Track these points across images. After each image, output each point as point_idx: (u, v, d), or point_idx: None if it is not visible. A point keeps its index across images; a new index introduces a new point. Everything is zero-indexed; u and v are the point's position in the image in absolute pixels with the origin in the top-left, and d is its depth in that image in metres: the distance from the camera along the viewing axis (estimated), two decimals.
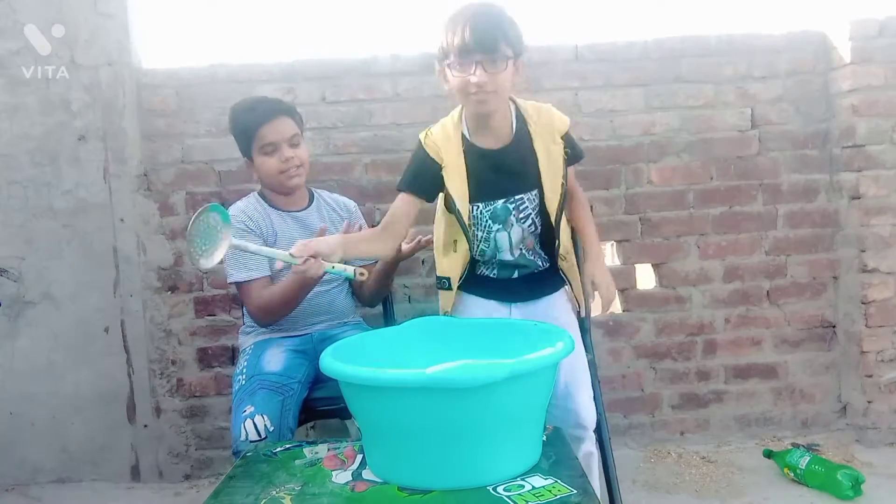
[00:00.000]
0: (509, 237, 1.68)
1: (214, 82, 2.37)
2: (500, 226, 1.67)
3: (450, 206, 1.66)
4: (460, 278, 1.72)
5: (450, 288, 1.73)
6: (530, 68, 2.35)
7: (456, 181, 1.63)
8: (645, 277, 2.50)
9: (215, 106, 2.37)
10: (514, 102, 1.69)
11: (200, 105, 2.37)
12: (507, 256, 1.71)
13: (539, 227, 1.70)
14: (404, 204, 1.67)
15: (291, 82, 2.37)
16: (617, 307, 2.50)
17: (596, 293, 1.71)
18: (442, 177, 1.64)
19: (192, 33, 2.56)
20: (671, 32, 2.44)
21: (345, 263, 1.56)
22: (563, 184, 1.67)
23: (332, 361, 1.20)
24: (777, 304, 2.47)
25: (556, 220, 1.67)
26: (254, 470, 1.30)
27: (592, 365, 1.93)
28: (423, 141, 1.67)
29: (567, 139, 1.69)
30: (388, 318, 2.17)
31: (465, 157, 1.64)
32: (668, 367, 2.47)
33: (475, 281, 1.75)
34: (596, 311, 1.78)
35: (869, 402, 2.38)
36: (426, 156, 1.65)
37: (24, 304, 2.37)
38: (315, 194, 2.01)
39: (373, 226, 2.12)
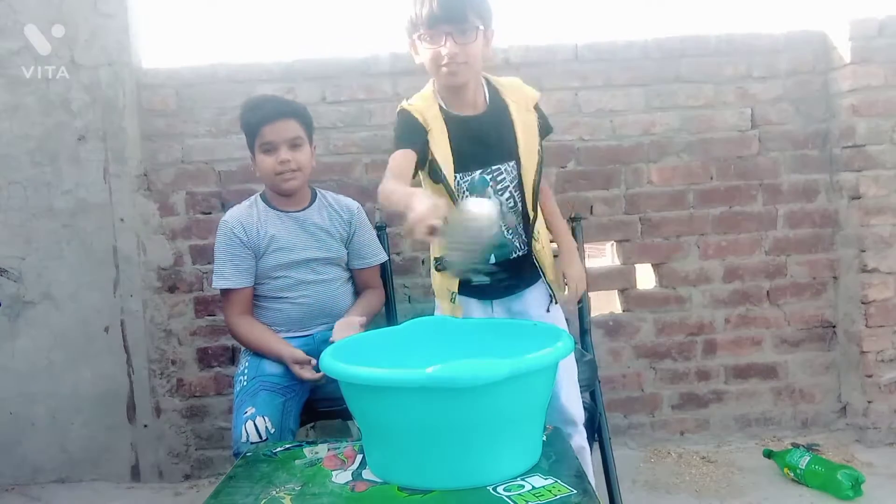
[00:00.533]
0: None
1: (214, 82, 2.37)
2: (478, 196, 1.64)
3: (435, 175, 1.62)
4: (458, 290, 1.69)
5: (453, 301, 1.70)
6: (529, 67, 2.38)
7: (441, 148, 1.61)
8: (645, 277, 2.50)
9: (215, 106, 2.37)
10: (485, 77, 1.68)
11: (200, 105, 2.37)
12: None
13: (518, 204, 1.67)
14: (403, 160, 1.59)
15: (291, 82, 2.37)
16: (617, 307, 2.50)
17: (566, 286, 1.70)
18: (428, 142, 1.60)
19: (192, 33, 2.56)
20: (671, 32, 2.44)
21: None
22: (539, 152, 1.65)
23: (332, 361, 1.20)
24: (777, 304, 2.47)
25: (533, 192, 1.65)
26: (254, 470, 1.30)
27: (592, 364, 1.93)
28: (405, 107, 1.64)
29: (538, 110, 1.69)
30: (389, 318, 2.17)
31: (446, 126, 1.62)
32: (668, 367, 2.47)
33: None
34: (565, 303, 1.75)
35: (869, 402, 2.38)
36: (413, 118, 1.61)
37: (24, 304, 2.37)
38: (318, 195, 2.00)
39: (375, 226, 2.12)
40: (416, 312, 2.32)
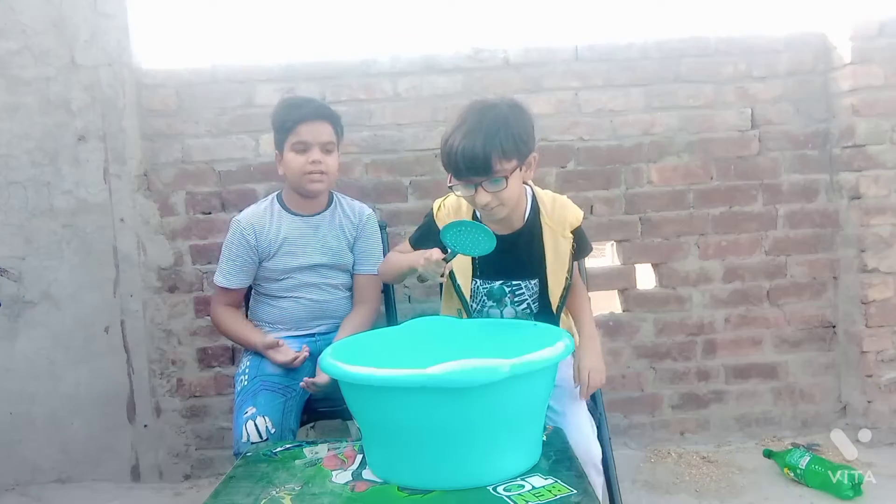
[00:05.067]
0: (501, 315, 1.67)
1: (214, 82, 2.37)
2: (495, 304, 1.67)
3: (452, 279, 1.66)
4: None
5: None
6: (529, 67, 2.38)
7: (461, 259, 1.60)
8: (645, 277, 2.50)
9: (215, 106, 2.37)
10: (533, 190, 1.67)
11: (200, 105, 2.37)
12: (497, 315, 1.71)
13: (535, 312, 1.68)
14: (404, 249, 1.72)
15: (291, 82, 2.37)
16: (617, 307, 2.50)
17: (582, 379, 1.62)
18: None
19: (192, 33, 2.56)
20: (671, 32, 2.44)
21: None
22: (567, 277, 1.65)
23: (332, 361, 1.21)
24: (777, 304, 2.47)
25: (557, 309, 1.66)
26: (254, 470, 1.30)
27: None
28: (434, 212, 1.68)
29: (577, 234, 1.67)
30: (389, 318, 2.17)
31: None
32: (668, 367, 2.47)
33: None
34: (578, 395, 1.66)
35: (869, 402, 2.38)
36: (435, 227, 1.64)
37: (24, 304, 2.37)
38: (335, 200, 2.01)
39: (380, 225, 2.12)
40: (416, 312, 2.33)
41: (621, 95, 2.41)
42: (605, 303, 2.54)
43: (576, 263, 1.72)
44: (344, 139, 2.33)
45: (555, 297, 1.64)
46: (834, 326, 2.49)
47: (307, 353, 1.80)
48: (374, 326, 1.95)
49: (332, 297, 1.96)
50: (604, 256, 2.75)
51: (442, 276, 1.46)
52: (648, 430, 2.48)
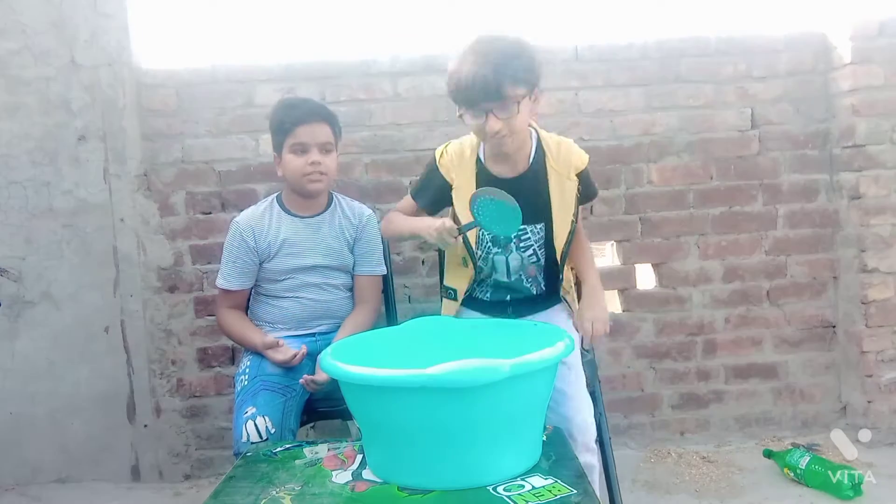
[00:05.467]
0: (507, 262, 1.68)
1: (214, 82, 2.37)
2: (500, 250, 1.67)
3: (455, 225, 1.65)
4: (465, 292, 1.73)
5: (455, 299, 1.74)
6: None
7: (465, 202, 1.60)
8: (645, 277, 2.50)
9: (215, 106, 2.37)
10: (537, 132, 1.67)
11: (200, 105, 2.37)
12: (503, 278, 1.71)
13: (542, 259, 1.69)
14: (412, 209, 1.74)
15: (291, 82, 2.37)
16: (617, 307, 2.50)
17: (589, 327, 1.64)
18: (451, 196, 1.64)
19: (192, 33, 2.56)
20: (671, 32, 2.44)
21: None
22: (572, 221, 1.65)
23: (332, 361, 1.21)
24: (777, 304, 2.47)
25: (562, 255, 1.66)
26: (254, 470, 1.30)
27: (592, 364, 1.93)
28: (437, 159, 1.67)
29: (583, 177, 1.67)
30: (389, 318, 2.17)
31: (476, 180, 1.63)
32: (668, 367, 2.47)
33: (471, 299, 1.76)
34: (584, 342, 1.70)
35: (869, 402, 2.38)
36: (437, 173, 1.66)
37: (24, 304, 2.37)
38: (334, 200, 2.01)
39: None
40: (416, 312, 2.33)
41: (621, 95, 2.41)
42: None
43: (580, 215, 1.72)
44: (344, 139, 2.33)
45: (560, 241, 1.64)
46: (834, 326, 2.49)
47: (305, 351, 1.80)
48: (374, 326, 1.95)
49: (333, 298, 1.96)
50: (604, 256, 2.75)
51: (455, 238, 1.49)
52: (648, 430, 2.48)
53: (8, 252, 2.35)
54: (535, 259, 1.68)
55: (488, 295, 1.74)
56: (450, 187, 1.65)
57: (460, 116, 1.55)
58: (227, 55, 2.41)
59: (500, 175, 1.63)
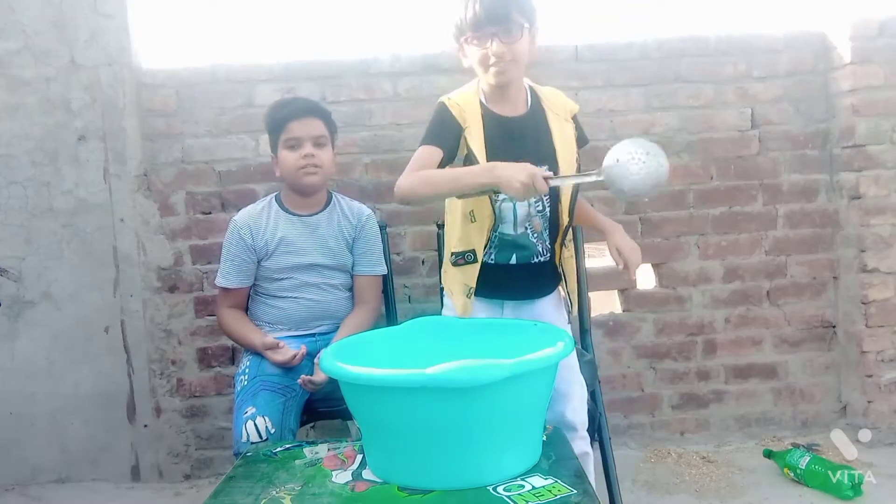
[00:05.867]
0: (514, 209, 1.64)
1: (214, 82, 2.37)
2: (506, 196, 1.59)
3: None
4: (485, 247, 1.65)
5: (474, 261, 1.65)
6: (530, 67, 2.37)
7: (477, 142, 1.62)
8: (645, 277, 2.50)
9: (215, 106, 2.37)
10: (528, 83, 1.70)
11: (200, 105, 2.37)
12: (510, 230, 1.66)
13: (547, 209, 1.66)
14: (430, 156, 1.61)
15: (291, 82, 2.37)
16: (617, 307, 2.50)
17: (622, 260, 1.72)
18: (463, 138, 1.62)
19: (192, 33, 2.56)
20: (671, 32, 2.44)
21: None
22: (577, 160, 1.66)
23: (332, 361, 1.20)
24: (777, 304, 2.47)
25: (571, 200, 1.66)
26: (254, 470, 1.30)
27: (592, 364, 1.93)
28: (445, 102, 1.66)
29: (576, 121, 1.71)
30: (389, 318, 2.17)
31: (483, 122, 1.63)
32: (668, 367, 2.47)
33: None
34: (627, 275, 1.78)
35: (869, 402, 2.38)
36: (450, 115, 1.63)
37: (24, 304, 2.37)
38: (333, 199, 2.01)
39: (380, 225, 2.11)
40: (416, 312, 2.32)
41: (621, 95, 2.41)
42: (605, 303, 2.54)
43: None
44: (344, 139, 2.34)
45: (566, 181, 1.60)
46: (834, 326, 2.49)
47: (305, 351, 1.81)
48: (374, 326, 1.95)
49: (333, 298, 1.96)
50: (604, 256, 2.75)
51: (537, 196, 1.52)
52: (648, 430, 2.48)
53: (8, 252, 2.35)
54: (540, 208, 1.66)
55: (493, 256, 1.68)
56: (461, 129, 1.62)
57: (461, 51, 1.60)
58: (227, 55, 2.41)
59: (505, 114, 1.65)
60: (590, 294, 2.17)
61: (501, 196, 1.61)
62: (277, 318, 1.94)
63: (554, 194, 1.64)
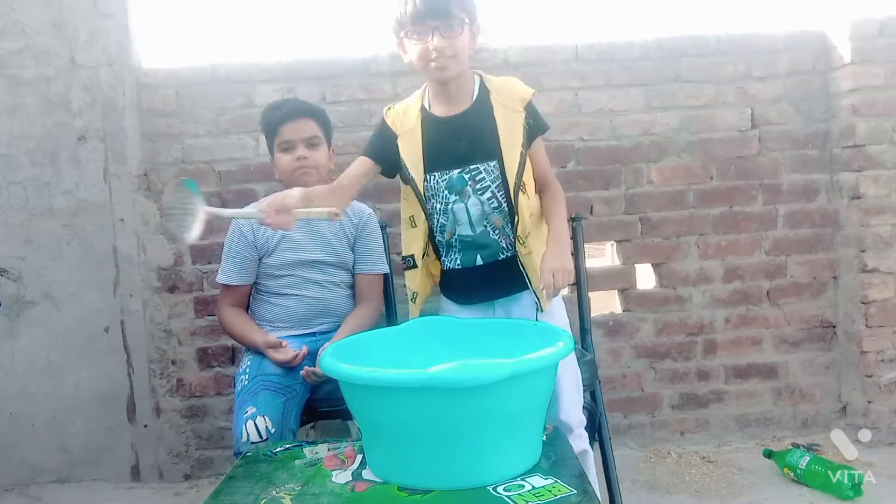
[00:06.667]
0: (467, 209, 1.64)
1: (214, 82, 2.37)
2: (457, 197, 1.63)
3: (405, 177, 1.66)
4: (423, 254, 1.70)
5: (414, 266, 1.69)
6: (529, 67, 2.38)
7: (410, 149, 1.64)
8: (645, 277, 2.50)
9: (215, 106, 2.37)
10: (480, 76, 1.68)
11: (200, 105, 2.37)
12: (467, 231, 1.65)
13: (504, 204, 1.64)
14: (357, 165, 1.71)
15: (291, 82, 2.37)
16: (617, 307, 2.50)
17: (550, 279, 1.57)
18: (397, 146, 1.65)
19: (192, 33, 2.56)
20: (671, 32, 2.44)
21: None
22: (521, 153, 1.61)
23: (332, 361, 1.20)
24: (777, 304, 2.47)
25: (514, 192, 1.61)
26: (254, 470, 1.30)
27: (592, 364, 1.93)
28: (384, 112, 1.72)
29: (530, 109, 1.65)
30: (389, 318, 2.17)
31: (421, 125, 1.64)
32: (668, 367, 2.47)
33: (448, 281, 1.75)
34: (544, 298, 1.62)
35: (869, 402, 2.38)
36: (384, 125, 1.70)
37: (24, 304, 2.37)
38: None
39: (380, 225, 2.12)
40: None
41: (621, 95, 2.41)
42: (605, 303, 2.54)
43: (539, 148, 1.68)
44: (344, 139, 2.34)
45: (510, 175, 1.60)
46: (834, 326, 2.49)
47: (306, 352, 1.81)
48: (374, 326, 1.96)
49: (334, 295, 1.96)
50: (604, 256, 2.75)
51: None
52: (648, 430, 2.48)
53: (8, 252, 2.35)
54: (495, 203, 1.63)
55: (459, 261, 1.69)
56: (395, 137, 1.66)
57: (401, 46, 1.60)
58: (227, 55, 2.41)
59: (445, 115, 1.64)
60: (590, 294, 2.16)
61: (453, 198, 1.63)
62: (279, 315, 1.94)
63: (505, 188, 1.62)
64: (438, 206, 1.66)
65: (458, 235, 1.67)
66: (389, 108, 1.72)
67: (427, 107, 1.67)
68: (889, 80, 2.33)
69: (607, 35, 2.43)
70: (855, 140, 2.35)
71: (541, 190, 1.70)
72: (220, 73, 2.37)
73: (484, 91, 1.66)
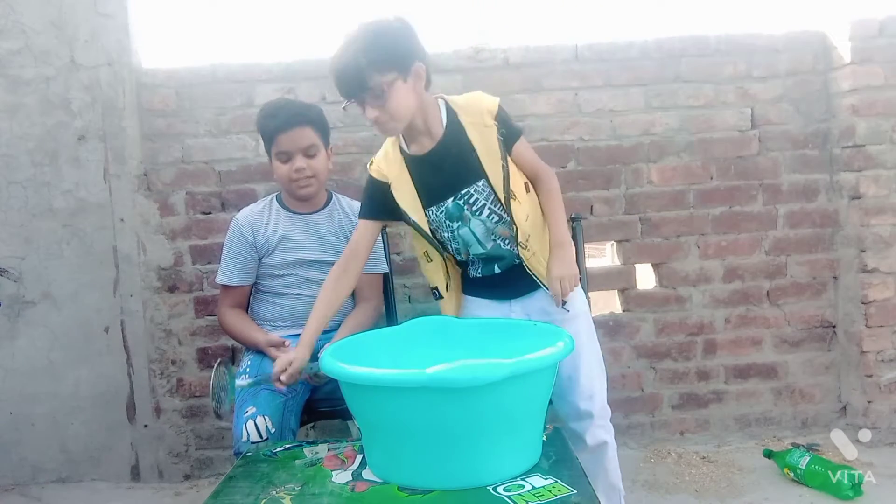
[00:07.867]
0: (472, 232, 1.65)
1: (214, 82, 2.37)
2: (459, 223, 1.64)
3: (407, 221, 1.66)
4: (447, 285, 1.72)
5: (441, 297, 1.74)
6: (529, 67, 2.38)
7: (405, 194, 1.63)
8: (645, 277, 2.50)
9: (215, 106, 2.37)
10: (444, 99, 1.65)
11: (200, 105, 2.37)
12: (479, 249, 1.67)
13: (503, 216, 1.64)
14: (362, 231, 1.70)
15: (291, 82, 2.37)
16: (617, 307, 2.50)
17: (558, 286, 1.60)
18: (392, 194, 1.64)
19: (192, 33, 2.56)
20: (671, 32, 2.44)
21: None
22: (503, 166, 1.60)
23: (332, 361, 1.21)
24: (777, 304, 2.47)
25: (505, 205, 1.61)
26: (254, 470, 1.30)
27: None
28: (368, 168, 1.70)
29: (500, 119, 1.63)
30: (389, 318, 2.17)
31: (407, 169, 1.64)
32: (668, 367, 2.47)
33: (471, 283, 1.75)
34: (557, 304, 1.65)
35: (869, 402, 2.38)
36: (373, 180, 1.67)
37: (24, 304, 2.37)
38: (333, 198, 2.02)
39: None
40: (417, 312, 2.33)
41: (621, 95, 2.41)
42: (605, 303, 2.54)
43: (522, 150, 1.66)
44: (344, 139, 2.34)
45: (499, 189, 1.60)
46: (834, 326, 2.49)
47: None
48: (375, 326, 1.95)
49: None
50: (604, 256, 2.75)
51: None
52: (648, 430, 2.48)
53: (8, 252, 2.35)
54: (495, 218, 1.64)
55: (479, 271, 1.72)
56: (388, 186, 1.65)
57: (344, 108, 1.56)
58: (227, 55, 2.41)
59: (422, 152, 1.62)
60: (590, 294, 2.16)
61: (455, 224, 1.65)
62: (279, 315, 1.94)
63: (499, 200, 1.62)
64: (446, 234, 1.67)
65: (472, 255, 1.70)
66: (371, 163, 1.70)
67: (405, 149, 1.65)
68: (889, 80, 2.33)
69: (607, 35, 2.43)
70: (855, 140, 2.35)
71: (533, 183, 1.70)
72: (220, 72, 2.37)
73: (452, 114, 1.63)
